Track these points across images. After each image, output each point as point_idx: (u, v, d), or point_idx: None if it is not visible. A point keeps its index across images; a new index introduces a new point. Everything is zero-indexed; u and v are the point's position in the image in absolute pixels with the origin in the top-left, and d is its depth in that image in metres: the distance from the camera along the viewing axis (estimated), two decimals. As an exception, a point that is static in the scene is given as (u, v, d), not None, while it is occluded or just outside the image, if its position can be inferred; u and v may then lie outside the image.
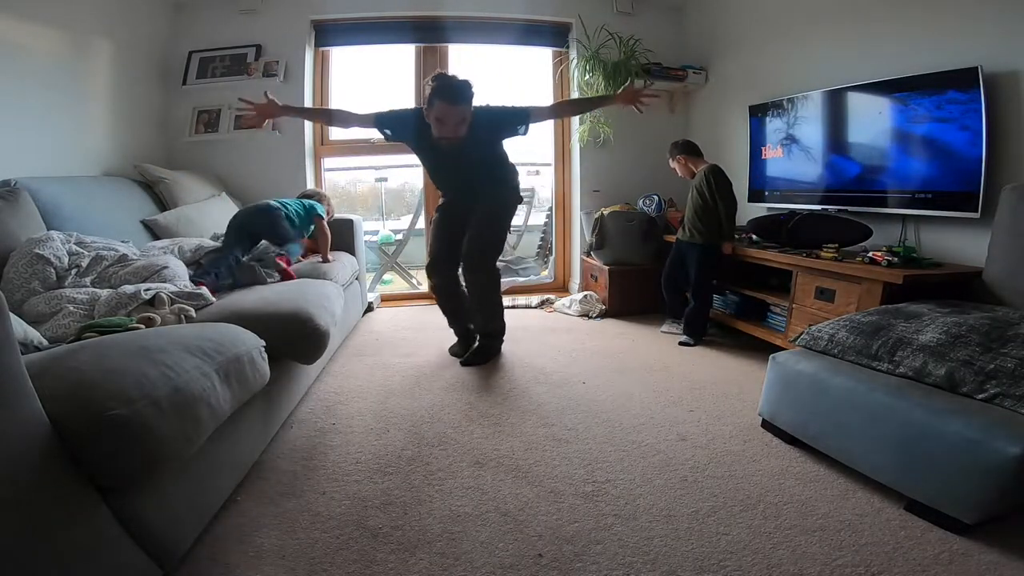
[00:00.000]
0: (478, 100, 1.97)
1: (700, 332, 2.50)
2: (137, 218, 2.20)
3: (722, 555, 1.04)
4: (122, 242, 1.77)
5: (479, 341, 2.26)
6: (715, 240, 2.41)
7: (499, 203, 2.18)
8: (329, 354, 2.06)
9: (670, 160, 2.63)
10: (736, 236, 2.46)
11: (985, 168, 1.70)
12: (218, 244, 2.04)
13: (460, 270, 2.19)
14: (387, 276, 3.92)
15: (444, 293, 2.24)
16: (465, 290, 2.22)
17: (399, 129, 2.07)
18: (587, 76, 3.11)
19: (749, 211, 2.77)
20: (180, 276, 1.63)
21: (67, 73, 2.29)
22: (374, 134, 2.13)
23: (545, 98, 3.49)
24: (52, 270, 1.46)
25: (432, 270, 2.22)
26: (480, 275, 2.11)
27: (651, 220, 2.99)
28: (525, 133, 2.13)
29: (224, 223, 2.41)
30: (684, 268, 2.53)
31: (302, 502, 1.23)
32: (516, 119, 2.09)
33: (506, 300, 3.18)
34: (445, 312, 2.32)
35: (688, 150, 2.55)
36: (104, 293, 1.43)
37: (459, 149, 1.96)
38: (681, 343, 2.46)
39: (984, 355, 1.17)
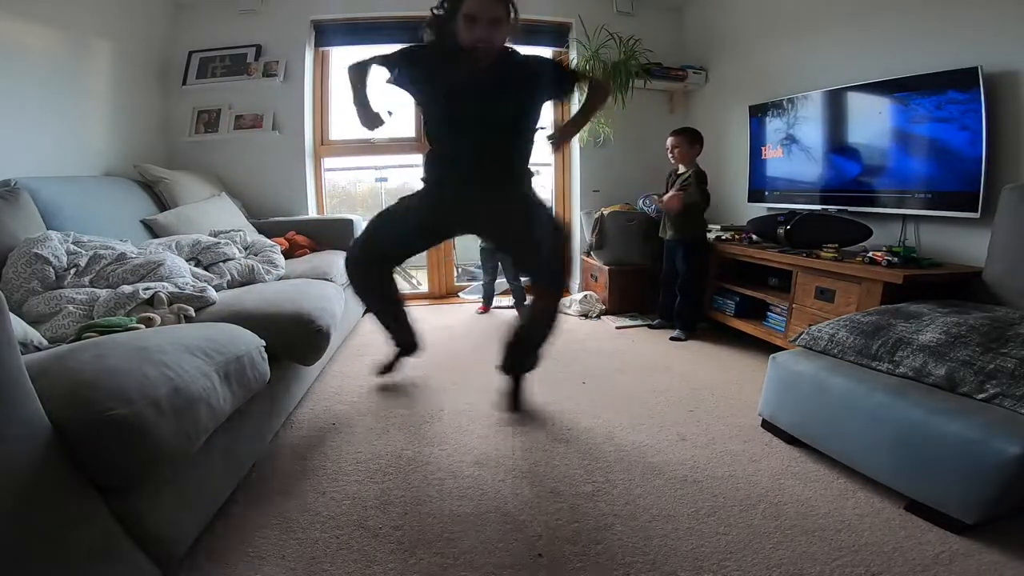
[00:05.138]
0: None
1: (693, 327, 2.56)
2: (137, 218, 2.19)
3: (722, 555, 1.04)
4: (120, 240, 1.77)
5: (514, 378, 1.73)
6: (702, 233, 2.55)
7: (534, 202, 1.63)
8: (329, 354, 2.06)
9: (683, 144, 2.48)
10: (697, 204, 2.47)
11: (985, 168, 1.69)
12: (216, 240, 2.03)
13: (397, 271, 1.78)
14: (387, 276, 3.91)
15: (386, 288, 1.74)
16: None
17: (407, 65, 1.54)
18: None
19: (749, 211, 2.77)
20: (177, 273, 1.62)
21: (67, 73, 2.28)
22: (375, 134, 1.94)
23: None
24: (51, 269, 1.46)
25: (371, 259, 1.68)
26: (551, 299, 1.61)
27: (651, 220, 2.98)
28: (568, 99, 1.80)
29: (224, 223, 2.43)
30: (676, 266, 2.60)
31: (302, 502, 1.23)
32: (564, 78, 1.64)
33: (506, 300, 3.20)
34: (385, 314, 1.81)
35: (702, 144, 2.54)
36: (103, 293, 1.43)
37: (486, 89, 1.46)
38: (673, 338, 2.53)
39: (984, 355, 1.17)
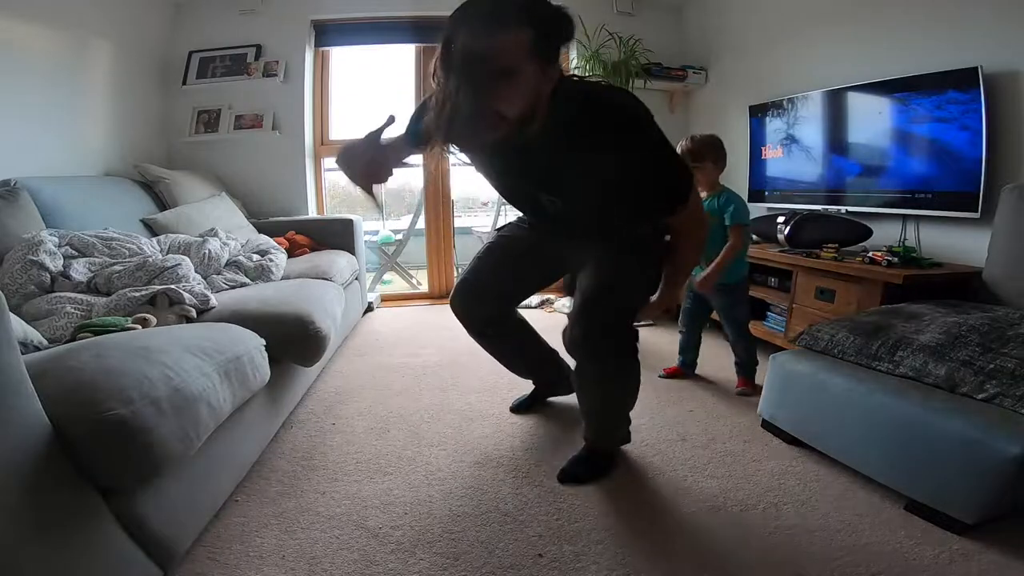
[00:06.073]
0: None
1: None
2: (137, 217, 2.19)
3: (722, 555, 1.04)
4: (124, 234, 1.76)
5: (588, 453, 1.37)
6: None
7: (618, 246, 1.25)
8: (329, 354, 2.06)
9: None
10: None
11: (985, 168, 1.69)
12: (215, 240, 2.02)
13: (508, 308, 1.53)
14: (387, 276, 3.93)
15: (494, 331, 1.50)
16: (521, 334, 1.56)
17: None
18: (587, 76, 3.11)
19: (749, 211, 2.77)
20: (179, 274, 1.62)
21: (67, 73, 2.28)
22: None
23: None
24: (47, 274, 1.45)
25: (464, 298, 1.46)
26: (602, 363, 1.25)
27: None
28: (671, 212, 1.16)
29: (224, 222, 2.42)
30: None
31: (302, 502, 1.22)
32: (664, 179, 1.12)
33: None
34: (509, 360, 1.62)
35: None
36: (103, 296, 1.43)
37: (519, 147, 1.04)
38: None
39: (984, 355, 1.17)
